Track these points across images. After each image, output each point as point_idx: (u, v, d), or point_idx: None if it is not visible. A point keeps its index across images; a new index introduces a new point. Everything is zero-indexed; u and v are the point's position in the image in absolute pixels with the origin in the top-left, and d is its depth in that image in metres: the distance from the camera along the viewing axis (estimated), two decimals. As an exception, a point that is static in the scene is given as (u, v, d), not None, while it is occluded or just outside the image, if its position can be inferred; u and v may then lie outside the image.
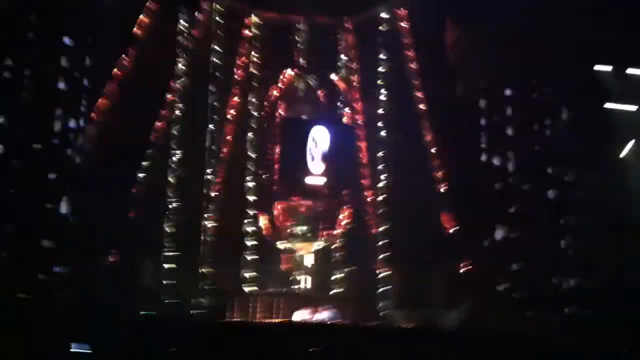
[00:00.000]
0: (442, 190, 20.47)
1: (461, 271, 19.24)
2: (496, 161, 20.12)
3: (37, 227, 18.16)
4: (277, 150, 21.19)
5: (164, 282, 19.24)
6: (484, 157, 20.27)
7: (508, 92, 20.74)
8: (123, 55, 20.47)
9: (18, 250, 17.40)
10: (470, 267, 19.46)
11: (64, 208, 18.80)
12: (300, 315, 18.62)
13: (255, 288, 19.95)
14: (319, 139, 21.30)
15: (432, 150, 21.06)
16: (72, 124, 19.70)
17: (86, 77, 20.06)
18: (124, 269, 19.21)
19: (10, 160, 18.19)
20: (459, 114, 20.75)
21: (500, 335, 14.77)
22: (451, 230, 19.79)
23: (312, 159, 21.05)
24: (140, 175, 20.60)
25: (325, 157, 21.06)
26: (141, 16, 20.76)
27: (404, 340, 15.82)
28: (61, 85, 19.31)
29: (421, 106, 21.65)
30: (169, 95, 21.06)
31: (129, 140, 20.22)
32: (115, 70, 20.53)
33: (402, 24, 22.05)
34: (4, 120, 18.13)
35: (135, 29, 20.71)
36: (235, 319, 18.74)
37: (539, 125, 19.69)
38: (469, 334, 15.72)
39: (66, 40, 19.44)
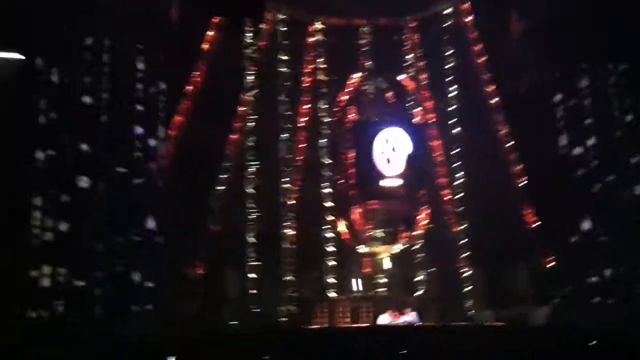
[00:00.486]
0: (521, 184, 20.16)
1: (547, 266, 18.87)
2: (576, 151, 19.60)
3: (124, 246, 18.77)
4: (351, 154, 21.22)
5: (249, 291, 19.50)
6: (562, 148, 19.76)
7: (583, 78, 20.23)
8: (193, 72, 21.04)
9: (108, 271, 18.02)
10: (555, 262, 19.09)
11: (149, 225, 19.34)
12: (385, 319, 18.62)
13: (337, 293, 20.04)
14: (392, 140, 21.24)
15: (508, 144, 20.78)
16: (150, 142, 20.24)
17: (160, 95, 20.57)
18: (209, 280, 19.68)
19: (96, 183, 18.81)
20: (533, 105, 20.42)
21: (588, 332, 14.48)
22: (533, 225, 19.46)
23: (387, 161, 21.00)
24: (219, 187, 21.12)
25: (400, 158, 20.97)
26: (208, 32, 21.28)
27: (493, 339, 15.65)
28: (138, 106, 19.85)
29: (493, 100, 21.42)
30: (240, 107, 21.45)
31: (205, 154, 20.75)
32: (187, 86, 21.13)
33: (466, 19, 21.89)
34: (88, 146, 18.73)
35: (203, 44, 21.23)
36: (320, 325, 18.89)
37: (619, 112, 19.09)
38: (558, 331, 15.45)
39: (139, 64, 19.97)
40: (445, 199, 21.27)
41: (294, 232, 20.37)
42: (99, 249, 18.08)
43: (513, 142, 20.66)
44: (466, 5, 21.81)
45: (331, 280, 20.05)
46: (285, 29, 21.68)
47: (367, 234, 20.30)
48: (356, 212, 20.77)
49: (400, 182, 20.76)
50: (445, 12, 21.95)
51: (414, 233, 20.30)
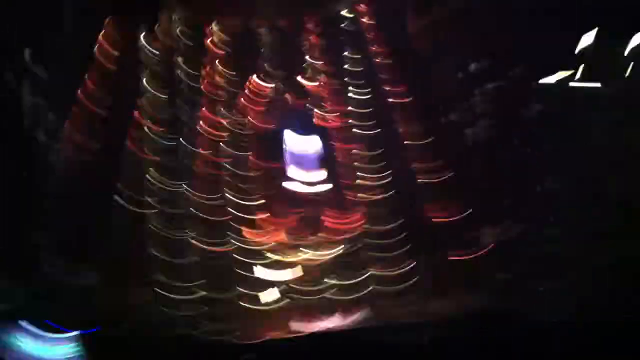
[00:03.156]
0: (428, 181, 20.42)
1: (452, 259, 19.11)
2: (482, 147, 20.13)
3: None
4: (255, 159, 20.66)
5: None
6: (469, 143, 20.26)
7: (483, 71, 20.85)
8: (86, 76, 19.58)
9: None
10: (462, 256, 19.46)
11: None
12: (300, 326, 18.20)
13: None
14: (295, 143, 20.90)
15: (412, 142, 21.02)
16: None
17: (50, 100, 19.00)
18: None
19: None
20: (436, 103, 20.89)
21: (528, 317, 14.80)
22: (445, 220, 19.71)
23: (290, 164, 20.63)
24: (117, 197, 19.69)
25: (304, 162, 20.67)
26: (101, 34, 19.89)
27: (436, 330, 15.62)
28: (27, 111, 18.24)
29: (394, 99, 21.63)
30: (136, 113, 20.19)
31: (98, 163, 19.34)
32: (79, 91, 19.60)
33: (364, 20, 22.02)
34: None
35: (95, 48, 19.82)
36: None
37: (520, 104, 19.82)
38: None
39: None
40: (354, 199, 21.09)
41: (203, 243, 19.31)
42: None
43: (417, 140, 20.90)
44: (363, 7, 21.92)
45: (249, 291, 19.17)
46: (181, 29, 20.69)
47: (293, 243, 19.67)
48: (265, 219, 20.11)
49: (307, 186, 20.43)
50: (344, 12, 21.92)
51: (340, 237, 19.89)
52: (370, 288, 19.29)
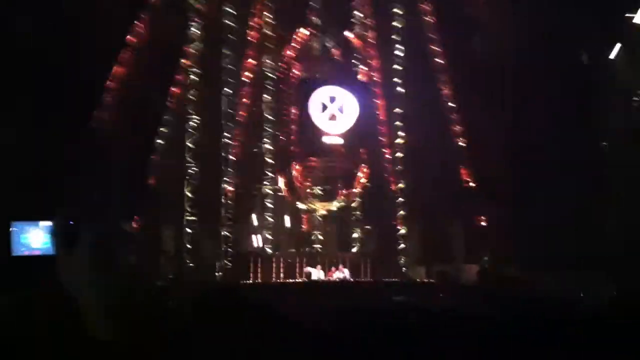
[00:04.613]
0: (459, 144, 20.29)
1: (479, 225, 19.13)
2: (515, 114, 19.67)
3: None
4: (294, 111, 21.06)
5: (187, 246, 19.41)
6: (502, 111, 19.83)
7: (528, 43, 20.19)
8: (135, 22, 20.56)
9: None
10: (487, 220, 19.40)
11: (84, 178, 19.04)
12: (318, 274, 18.82)
13: (275, 249, 20.08)
14: (336, 98, 21.14)
15: (450, 105, 20.84)
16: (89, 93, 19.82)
17: (100, 45, 20.06)
18: (147, 234, 19.53)
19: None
20: (477, 67, 20.44)
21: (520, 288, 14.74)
22: (469, 184, 19.65)
23: (330, 118, 20.92)
24: (159, 141, 20.83)
25: (346, 117, 20.89)
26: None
27: (423, 295, 15.88)
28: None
29: (438, 60, 21.40)
30: (183, 60, 21.05)
31: (146, 106, 20.41)
32: (128, 36, 20.64)
33: (415, -23, 21.71)
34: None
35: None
36: (256, 280, 18.98)
37: (561, 78, 19.15)
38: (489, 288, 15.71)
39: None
40: (385, 157, 21.31)
41: (233, 188, 20.16)
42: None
43: (455, 103, 20.72)
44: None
45: (270, 235, 19.99)
46: (229, -20, 21.17)
47: (306, 191, 20.22)
48: (297, 169, 20.66)
49: (341, 140, 20.70)
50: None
51: (353, 190, 20.30)
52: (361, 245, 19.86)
